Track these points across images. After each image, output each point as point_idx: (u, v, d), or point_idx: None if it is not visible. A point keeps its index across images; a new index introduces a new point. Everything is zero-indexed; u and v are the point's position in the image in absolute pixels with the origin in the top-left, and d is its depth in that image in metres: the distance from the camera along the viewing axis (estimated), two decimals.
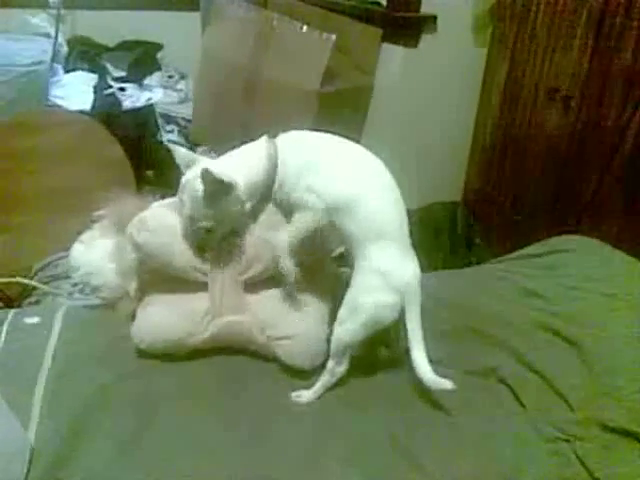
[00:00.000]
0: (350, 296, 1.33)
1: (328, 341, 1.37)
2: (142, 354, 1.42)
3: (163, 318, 1.42)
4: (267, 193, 1.37)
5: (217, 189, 1.28)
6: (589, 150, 2.33)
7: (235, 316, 1.40)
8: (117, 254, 1.51)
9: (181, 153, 1.38)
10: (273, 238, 1.37)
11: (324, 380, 1.35)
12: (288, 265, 1.36)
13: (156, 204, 1.49)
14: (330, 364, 1.35)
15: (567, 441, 1.23)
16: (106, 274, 1.53)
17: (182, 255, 1.39)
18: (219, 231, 1.36)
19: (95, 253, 1.56)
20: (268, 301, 1.43)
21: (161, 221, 1.42)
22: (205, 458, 1.18)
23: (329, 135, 1.39)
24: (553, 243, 1.77)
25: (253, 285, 1.43)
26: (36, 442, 1.17)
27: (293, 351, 1.40)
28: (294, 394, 1.35)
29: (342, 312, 1.33)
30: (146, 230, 1.39)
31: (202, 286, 1.41)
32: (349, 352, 1.34)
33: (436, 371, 1.27)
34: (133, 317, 1.45)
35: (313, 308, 1.43)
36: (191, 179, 1.31)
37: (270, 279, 1.43)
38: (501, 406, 1.29)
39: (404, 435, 1.25)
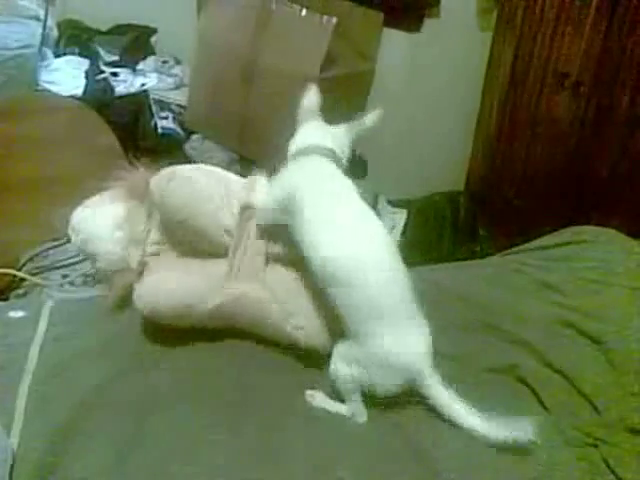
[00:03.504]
0: (351, 352, 1.22)
1: None
2: (137, 349, 1.33)
3: (174, 280, 1.34)
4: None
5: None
6: (600, 138, 2.25)
7: (251, 285, 1.32)
8: (128, 220, 1.44)
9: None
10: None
11: (344, 409, 1.24)
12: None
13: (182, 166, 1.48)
14: (349, 406, 1.23)
15: (594, 446, 1.15)
16: (108, 242, 1.44)
17: (209, 211, 1.36)
18: None
19: (100, 219, 1.47)
20: (286, 279, 1.35)
21: (191, 174, 1.41)
22: (207, 466, 1.09)
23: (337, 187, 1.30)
24: (569, 234, 1.65)
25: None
26: (20, 447, 1.08)
27: (312, 331, 1.31)
28: (308, 392, 1.26)
29: (347, 354, 1.23)
30: (176, 179, 1.37)
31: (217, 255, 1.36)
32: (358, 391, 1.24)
33: (451, 368, 1.18)
34: (131, 292, 1.35)
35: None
36: None
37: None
38: (523, 408, 1.20)
39: (425, 443, 1.16)
